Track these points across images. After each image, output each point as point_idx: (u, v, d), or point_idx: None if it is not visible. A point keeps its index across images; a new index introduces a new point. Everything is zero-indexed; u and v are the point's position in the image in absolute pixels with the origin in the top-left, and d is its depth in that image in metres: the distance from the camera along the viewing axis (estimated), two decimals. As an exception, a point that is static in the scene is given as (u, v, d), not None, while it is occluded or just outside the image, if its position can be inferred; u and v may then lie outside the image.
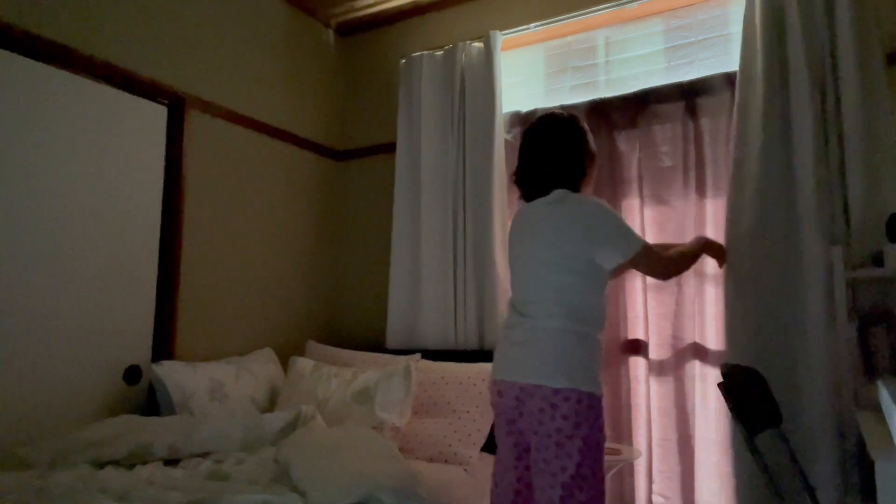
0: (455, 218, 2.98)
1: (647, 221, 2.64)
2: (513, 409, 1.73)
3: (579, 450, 1.63)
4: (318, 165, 3.45)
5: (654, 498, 2.50)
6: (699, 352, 2.49)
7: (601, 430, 1.69)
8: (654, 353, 2.58)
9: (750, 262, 2.28)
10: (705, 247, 2.11)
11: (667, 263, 1.90)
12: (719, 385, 1.76)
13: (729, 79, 2.53)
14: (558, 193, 1.79)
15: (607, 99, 2.79)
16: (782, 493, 1.75)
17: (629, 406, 2.61)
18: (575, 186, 1.82)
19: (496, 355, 1.83)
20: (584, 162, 1.83)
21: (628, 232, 1.78)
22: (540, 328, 1.71)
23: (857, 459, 2.05)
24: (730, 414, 1.80)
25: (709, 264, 2.51)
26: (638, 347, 2.63)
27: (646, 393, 2.57)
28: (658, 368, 2.56)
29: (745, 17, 2.40)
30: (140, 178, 2.55)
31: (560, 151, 1.81)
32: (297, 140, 3.29)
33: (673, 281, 2.56)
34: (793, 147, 2.26)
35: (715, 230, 2.52)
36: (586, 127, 1.89)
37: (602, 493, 1.66)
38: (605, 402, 2.65)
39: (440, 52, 3.16)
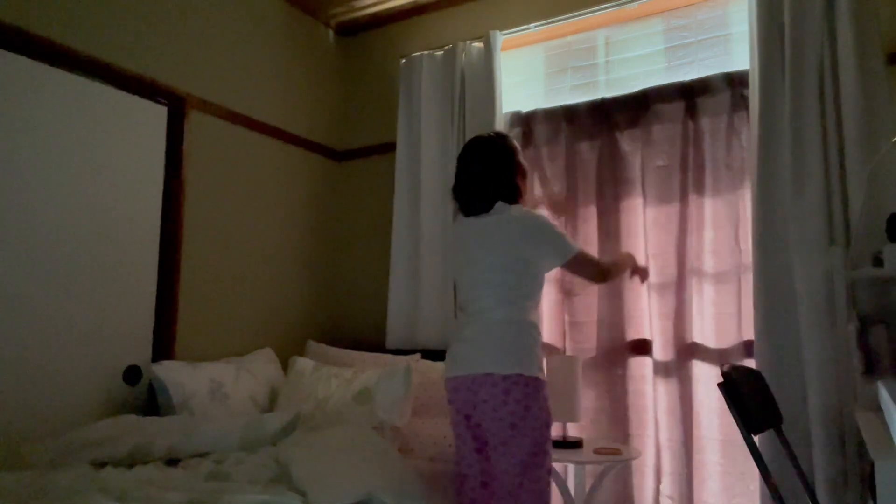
0: (455, 218, 2.98)
1: (649, 221, 2.64)
2: (468, 401, 1.87)
3: (532, 430, 1.80)
4: (318, 165, 3.45)
5: (661, 499, 2.50)
6: (700, 351, 2.49)
7: (549, 412, 1.86)
8: (657, 352, 2.57)
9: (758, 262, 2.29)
10: (630, 261, 2.25)
11: (600, 269, 2.07)
12: (720, 385, 1.76)
13: (729, 79, 2.54)
14: (500, 206, 1.96)
15: (608, 99, 2.79)
16: (782, 493, 1.75)
17: (629, 406, 2.61)
18: (512, 200, 1.99)
19: (448, 356, 1.96)
20: (515, 179, 2.00)
21: (565, 240, 1.96)
22: (487, 321, 1.88)
23: (857, 459, 2.05)
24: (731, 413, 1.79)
25: (708, 263, 2.51)
26: (643, 347, 2.62)
27: (652, 393, 2.56)
28: (662, 368, 2.56)
29: (757, 15, 2.39)
30: (140, 178, 2.55)
31: (497, 172, 1.98)
32: (297, 140, 3.29)
33: (673, 280, 2.56)
34: (793, 147, 2.26)
35: (714, 230, 2.52)
36: (517, 146, 2.07)
37: (550, 469, 1.86)
38: (607, 402, 2.67)
39: (440, 52, 3.16)
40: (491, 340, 1.86)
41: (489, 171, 1.98)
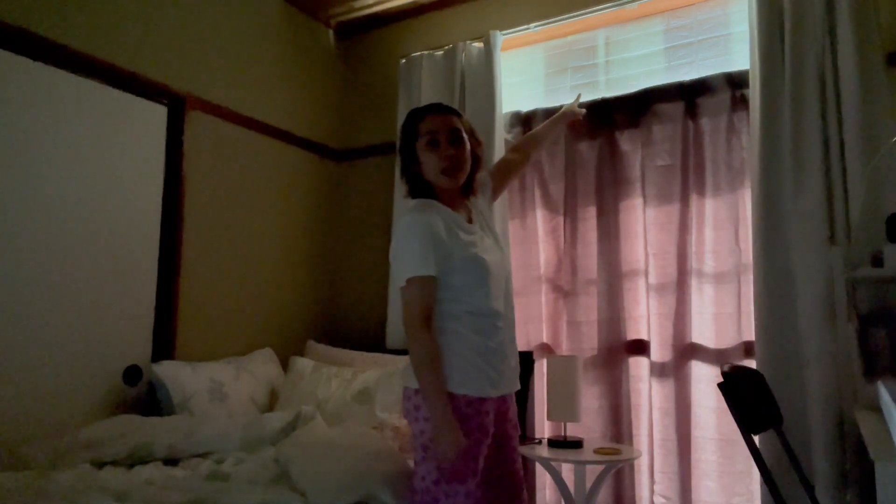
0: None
1: (649, 221, 2.64)
2: None
3: (421, 449, 1.59)
4: (318, 165, 3.45)
5: (656, 499, 2.50)
6: (700, 352, 2.49)
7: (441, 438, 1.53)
8: (655, 353, 2.57)
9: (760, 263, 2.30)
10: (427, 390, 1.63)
11: (410, 319, 1.59)
12: (720, 385, 1.76)
13: (729, 79, 2.54)
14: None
15: (609, 99, 2.79)
16: (782, 493, 1.75)
17: (629, 406, 2.61)
18: (416, 190, 1.75)
19: None
20: (409, 165, 1.74)
21: (402, 266, 1.62)
22: None
23: (857, 459, 2.05)
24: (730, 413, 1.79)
25: (707, 263, 2.51)
26: (640, 348, 2.62)
27: (647, 393, 2.56)
28: (659, 369, 2.56)
29: (757, 15, 2.39)
30: (140, 178, 2.55)
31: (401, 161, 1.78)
32: (297, 140, 3.29)
33: (673, 280, 2.56)
34: (794, 147, 2.26)
35: (714, 230, 2.52)
36: (409, 116, 1.77)
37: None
38: (607, 402, 2.66)
39: (440, 52, 3.16)
40: None
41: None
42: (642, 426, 2.56)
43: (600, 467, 2.35)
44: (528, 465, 2.45)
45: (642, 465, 2.53)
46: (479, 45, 3.04)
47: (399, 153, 1.78)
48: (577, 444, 2.42)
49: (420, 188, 1.74)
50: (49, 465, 1.89)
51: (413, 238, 1.62)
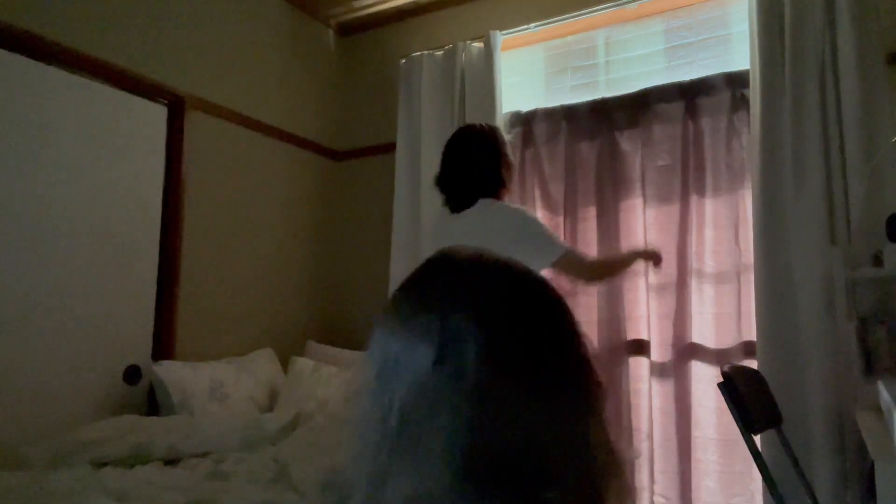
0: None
1: (649, 221, 2.64)
2: None
3: None
4: (318, 165, 3.45)
5: (656, 499, 2.50)
6: (700, 352, 2.49)
7: None
8: (655, 353, 2.57)
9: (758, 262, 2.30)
10: (639, 254, 2.24)
11: (593, 268, 2.02)
12: (720, 385, 1.76)
13: (729, 79, 2.54)
14: (483, 203, 1.91)
15: (608, 99, 2.79)
16: (782, 493, 1.75)
17: (629, 406, 2.61)
18: (495, 194, 1.95)
19: None
20: (501, 174, 1.97)
21: (551, 239, 1.90)
22: None
23: (857, 459, 2.05)
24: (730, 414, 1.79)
25: (707, 263, 2.51)
26: (640, 348, 2.62)
27: (648, 393, 2.56)
28: (659, 368, 2.56)
29: (757, 15, 2.39)
30: (140, 178, 2.55)
31: (482, 166, 1.95)
32: (297, 140, 3.29)
33: (673, 280, 2.56)
34: (794, 147, 2.26)
35: (714, 230, 2.52)
36: (504, 139, 2.05)
37: None
38: (607, 403, 2.66)
39: (440, 52, 3.16)
40: None
41: (474, 164, 1.96)
42: (642, 426, 2.56)
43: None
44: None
45: (642, 465, 2.53)
46: (479, 45, 3.04)
47: (493, 160, 1.97)
48: (577, 444, 2.41)
49: (495, 192, 1.95)
50: (49, 465, 1.89)
51: (542, 223, 1.96)
